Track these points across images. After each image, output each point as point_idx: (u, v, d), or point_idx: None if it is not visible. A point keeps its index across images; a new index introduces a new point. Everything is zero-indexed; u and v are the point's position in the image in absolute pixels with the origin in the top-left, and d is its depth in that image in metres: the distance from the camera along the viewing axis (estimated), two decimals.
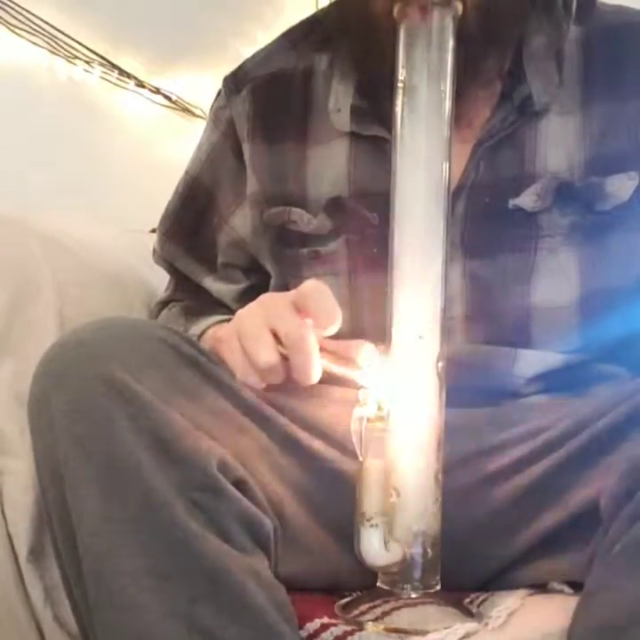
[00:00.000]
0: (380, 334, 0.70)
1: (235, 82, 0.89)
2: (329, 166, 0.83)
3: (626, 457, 0.64)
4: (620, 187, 0.77)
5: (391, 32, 0.69)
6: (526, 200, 0.77)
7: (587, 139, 0.78)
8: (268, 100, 0.87)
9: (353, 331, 0.80)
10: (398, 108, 0.68)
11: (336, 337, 0.70)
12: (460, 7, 0.69)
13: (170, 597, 0.59)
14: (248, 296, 0.91)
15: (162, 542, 0.59)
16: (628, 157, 0.78)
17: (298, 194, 0.84)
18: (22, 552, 0.76)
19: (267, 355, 0.67)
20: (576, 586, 0.68)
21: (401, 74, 0.68)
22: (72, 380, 0.62)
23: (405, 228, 0.68)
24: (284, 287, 0.86)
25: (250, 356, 0.68)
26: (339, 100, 0.82)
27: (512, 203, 0.77)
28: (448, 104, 0.67)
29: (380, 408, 0.65)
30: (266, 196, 0.86)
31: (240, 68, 0.91)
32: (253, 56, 0.91)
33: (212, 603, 0.59)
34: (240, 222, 0.90)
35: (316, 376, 0.68)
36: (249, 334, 0.69)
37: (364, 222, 0.80)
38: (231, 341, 0.70)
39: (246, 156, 0.87)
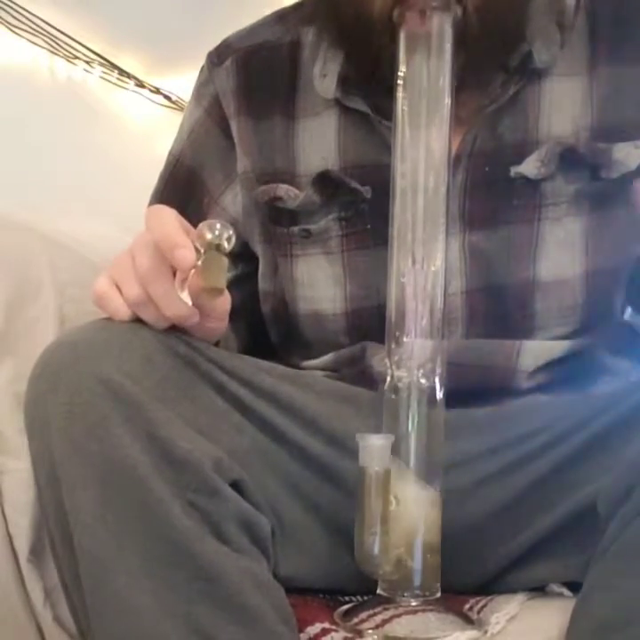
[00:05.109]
0: (379, 316, 0.69)
1: (217, 55, 0.87)
2: (318, 139, 0.81)
3: (624, 457, 0.64)
4: (627, 154, 0.75)
5: (390, 36, 0.69)
6: (529, 167, 0.75)
7: (593, 102, 0.76)
8: (254, 72, 0.84)
9: (350, 311, 0.79)
10: (399, 104, 0.68)
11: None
12: (459, 11, 0.69)
13: (167, 598, 0.58)
14: (234, 286, 0.90)
15: (158, 543, 0.59)
16: (634, 125, 0.76)
17: (287, 169, 0.81)
18: (22, 552, 0.76)
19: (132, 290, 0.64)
20: (575, 588, 0.68)
21: (401, 72, 0.68)
22: (67, 381, 0.62)
23: (405, 201, 0.67)
24: (273, 272, 0.85)
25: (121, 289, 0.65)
26: (326, 66, 0.80)
27: (514, 170, 0.75)
28: (447, 96, 0.68)
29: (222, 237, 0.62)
30: (256, 174, 0.84)
31: (223, 41, 0.88)
32: (238, 31, 0.88)
33: (209, 603, 0.59)
34: (231, 202, 0.87)
35: (178, 309, 0.64)
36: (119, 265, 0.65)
37: (356, 196, 0.78)
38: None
39: (234, 133, 0.85)
